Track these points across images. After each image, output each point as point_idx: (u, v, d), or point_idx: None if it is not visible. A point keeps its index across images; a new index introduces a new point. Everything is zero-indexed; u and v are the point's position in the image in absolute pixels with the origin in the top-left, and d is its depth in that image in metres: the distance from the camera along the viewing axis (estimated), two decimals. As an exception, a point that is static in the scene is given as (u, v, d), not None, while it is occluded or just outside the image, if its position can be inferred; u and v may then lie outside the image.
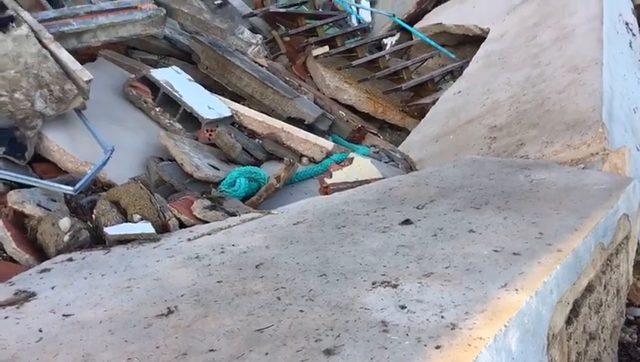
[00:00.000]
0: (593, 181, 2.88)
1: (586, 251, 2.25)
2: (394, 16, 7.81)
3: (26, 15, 3.69)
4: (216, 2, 7.77)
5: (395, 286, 1.91)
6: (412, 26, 7.69)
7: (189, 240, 2.56)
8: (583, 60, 4.23)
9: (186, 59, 5.54)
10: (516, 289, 1.82)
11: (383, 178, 3.69)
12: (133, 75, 4.53)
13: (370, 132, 5.80)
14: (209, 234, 2.62)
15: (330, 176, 3.79)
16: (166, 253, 2.40)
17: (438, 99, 5.48)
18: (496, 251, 2.12)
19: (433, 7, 8.31)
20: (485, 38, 6.15)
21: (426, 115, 5.27)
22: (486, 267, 2.00)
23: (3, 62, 3.41)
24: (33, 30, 3.61)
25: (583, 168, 3.23)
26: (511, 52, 5.22)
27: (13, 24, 3.55)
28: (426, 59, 6.87)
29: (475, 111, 4.58)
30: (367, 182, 3.56)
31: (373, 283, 1.94)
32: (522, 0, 6.28)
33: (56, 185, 3.03)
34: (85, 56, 4.46)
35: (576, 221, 2.36)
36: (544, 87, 4.22)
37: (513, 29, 5.75)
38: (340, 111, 5.95)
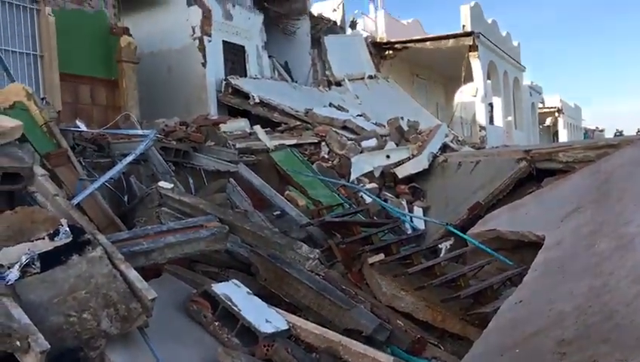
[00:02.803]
0: (680, 409, 2.64)
1: None
2: (447, 224, 7.98)
3: (101, 238, 3.97)
4: (275, 213, 8.22)
5: None
6: (465, 231, 7.80)
7: None
8: (647, 271, 4.12)
9: (245, 270, 5.70)
10: None
11: (447, 399, 3.50)
12: (195, 291, 4.67)
13: (430, 343, 5.61)
14: None
15: (391, 397, 3.62)
16: None
17: (499, 307, 5.34)
18: None
19: (485, 213, 8.49)
20: (541, 244, 6.12)
21: (488, 325, 5.08)
22: None
23: (76, 283, 3.60)
24: (107, 252, 3.85)
25: (666, 392, 2.98)
26: (570, 260, 5.15)
27: (89, 247, 3.82)
28: (483, 266, 6.83)
29: (540, 323, 4.40)
30: (430, 404, 3.38)
31: None
32: (574, 208, 6.35)
33: (113, 410, 3.01)
34: (151, 272, 4.68)
35: None
36: (610, 299, 4.07)
37: (569, 236, 5.74)
38: (398, 321, 5.84)
